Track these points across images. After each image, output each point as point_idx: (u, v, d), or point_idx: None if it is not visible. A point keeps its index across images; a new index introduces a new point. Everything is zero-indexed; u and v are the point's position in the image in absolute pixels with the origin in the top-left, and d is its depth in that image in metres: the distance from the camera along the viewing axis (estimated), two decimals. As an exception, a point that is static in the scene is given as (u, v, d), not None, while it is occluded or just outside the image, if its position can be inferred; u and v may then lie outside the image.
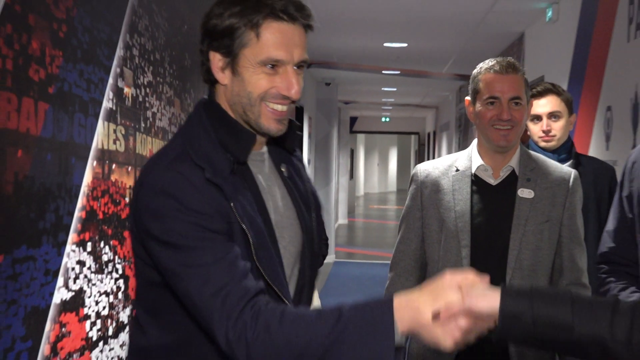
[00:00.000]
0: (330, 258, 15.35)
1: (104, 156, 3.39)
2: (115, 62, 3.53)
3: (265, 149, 2.05)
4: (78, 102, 3.10)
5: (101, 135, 3.35)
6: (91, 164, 3.24)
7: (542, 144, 3.95)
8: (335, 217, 18.49)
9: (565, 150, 3.90)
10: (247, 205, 1.86)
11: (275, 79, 1.86)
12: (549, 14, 6.40)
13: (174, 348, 1.85)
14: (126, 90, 3.67)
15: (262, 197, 1.95)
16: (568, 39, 5.89)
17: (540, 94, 3.92)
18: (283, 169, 2.09)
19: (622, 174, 2.61)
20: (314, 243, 2.08)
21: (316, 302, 2.69)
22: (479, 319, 1.69)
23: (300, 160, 2.19)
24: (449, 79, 12.13)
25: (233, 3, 1.85)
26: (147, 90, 3.98)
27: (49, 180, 2.85)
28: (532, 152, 3.05)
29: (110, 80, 3.47)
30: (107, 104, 3.42)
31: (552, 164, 3.03)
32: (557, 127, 3.95)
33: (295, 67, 1.89)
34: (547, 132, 3.93)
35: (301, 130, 2.16)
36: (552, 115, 3.96)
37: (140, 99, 3.88)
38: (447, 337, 1.63)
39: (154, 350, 1.89)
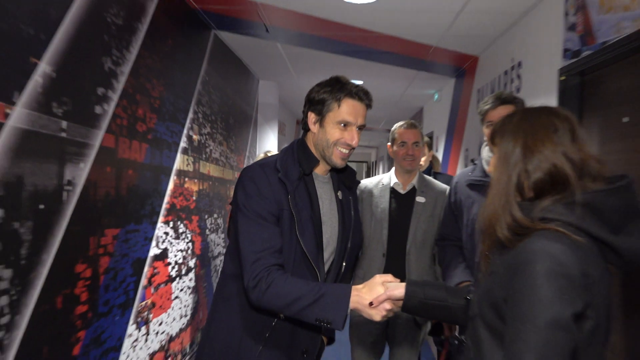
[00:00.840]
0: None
1: (180, 174, 3.39)
2: (187, 121, 3.52)
3: (328, 175, 1.92)
4: (165, 143, 3.10)
5: (179, 162, 3.36)
6: (173, 178, 3.25)
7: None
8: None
9: (427, 171, 3.74)
10: (300, 201, 1.76)
11: (344, 133, 1.78)
12: (436, 96, 6.37)
13: (236, 275, 1.76)
14: (194, 136, 3.66)
15: (318, 201, 1.83)
16: (446, 110, 5.87)
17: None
18: (338, 194, 1.93)
19: (450, 188, 2.60)
20: (347, 242, 1.91)
21: None
22: (395, 302, 1.66)
23: (355, 197, 2.04)
24: (383, 132, 12.08)
25: (326, 85, 1.80)
26: (207, 137, 3.97)
27: (147, 187, 2.86)
28: (425, 176, 3.00)
29: (185, 131, 3.47)
30: (182, 144, 3.42)
31: (437, 183, 2.97)
32: (423, 159, 3.69)
33: (357, 128, 1.81)
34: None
35: (355, 175, 2.04)
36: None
37: (202, 141, 3.87)
38: (377, 314, 1.64)
39: (229, 274, 1.81)
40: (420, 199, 2.87)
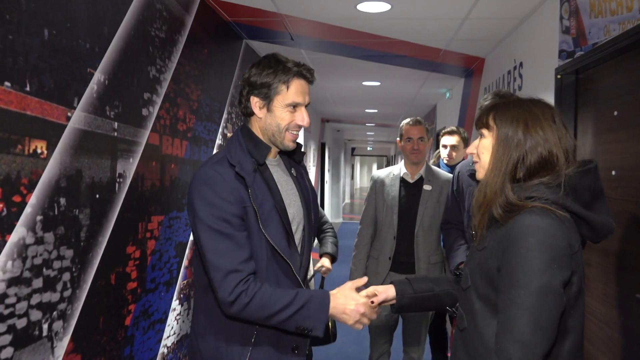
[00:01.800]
0: (339, 220, 15.32)
1: (217, 167, 3.46)
2: (222, 121, 3.60)
3: (278, 157, 1.70)
4: (203, 141, 3.18)
5: None
6: None
7: (445, 161, 3.60)
8: (343, 199, 18.25)
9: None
10: (260, 193, 1.54)
11: (295, 115, 1.58)
12: (447, 95, 6.34)
13: (206, 285, 1.57)
14: (228, 134, 3.73)
15: (278, 187, 1.62)
16: (456, 107, 5.85)
17: (449, 133, 3.61)
18: (292, 171, 1.74)
19: (453, 177, 2.57)
20: (311, 215, 1.74)
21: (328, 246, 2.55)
22: (386, 301, 1.59)
23: (305, 168, 1.84)
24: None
25: (267, 66, 1.56)
26: None
27: (188, 179, 2.91)
28: (431, 166, 3.00)
29: (220, 130, 3.54)
30: (218, 141, 3.49)
31: (442, 172, 2.98)
32: (454, 154, 3.57)
33: (304, 107, 1.62)
34: (449, 156, 3.56)
35: (302, 149, 1.79)
36: (453, 147, 3.57)
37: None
38: (350, 319, 1.53)
39: (204, 285, 1.59)
40: (427, 187, 2.90)
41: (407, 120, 2.96)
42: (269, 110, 1.58)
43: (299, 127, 1.62)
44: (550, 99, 2.84)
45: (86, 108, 1.88)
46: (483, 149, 1.35)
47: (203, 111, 3.18)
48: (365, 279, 1.64)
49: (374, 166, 39.29)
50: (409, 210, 2.90)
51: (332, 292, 1.55)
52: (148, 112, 2.40)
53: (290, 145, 1.63)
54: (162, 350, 2.64)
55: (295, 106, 1.58)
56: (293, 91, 1.57)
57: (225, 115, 3.65)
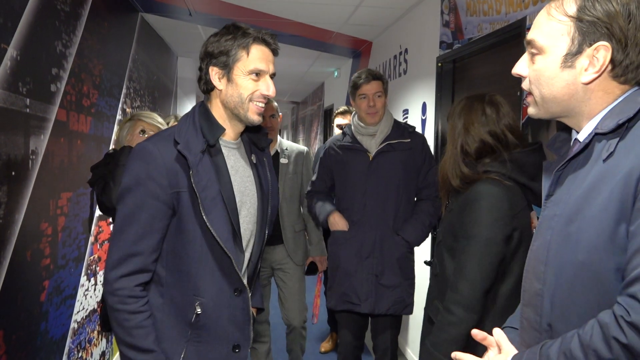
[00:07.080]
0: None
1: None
2: (122, 96, 3.56)
3: (239, 140, 1.53)
4: (105, 116, 3.15)
5: (115, 132, 3.38)
6: (111, 147, 3.26)
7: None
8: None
9: None
10: (205, 177, 1.38)
11: (259, 84, 1.41)
12: (336, 74, 6.60)
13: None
14: (127, 109, 3.70)
15: (229, 173, 1.46)
16: (344, 86, 6.07)
17: (342, 114, 3.71)
18: (252, 158, 1.56)
19: (324, 151, 2.62)
20: (267, 207, 1.58)
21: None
22: None
23: (269, 157, 1.65)
24: (287, 103, 12.21)
25: (226, 33, 1.40)
26: (137, 109, 3.99)
27: (92, 155, 2.90)
28: (284, 140, 3.02)
29: (120, 105, 3.51)
30: (118, 116, 3.46)
31: (294, 145, 3.03)
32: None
33: (270, 76, 1.44)
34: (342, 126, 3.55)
35: (267, 135, 1.67)
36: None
37: (133, 113, 3.90)
38: None
39: None
40: (283, 160, 2.97)
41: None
42: (229, 80, 1.42)
43: (265, 97, 1.44)
44: (432, 83, 3.23)
45: (1, 85, 1.86)
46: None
47: (104, 86, 3.14)
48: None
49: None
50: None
51: None
52: (56, 87, 2.37)
53: (255, 119, 1.45)
54: (73, 325, 2.66)
55: (258, 74, 1.42)
56: (254, 57, 1.41)
57: (124, 90, 3.60)
